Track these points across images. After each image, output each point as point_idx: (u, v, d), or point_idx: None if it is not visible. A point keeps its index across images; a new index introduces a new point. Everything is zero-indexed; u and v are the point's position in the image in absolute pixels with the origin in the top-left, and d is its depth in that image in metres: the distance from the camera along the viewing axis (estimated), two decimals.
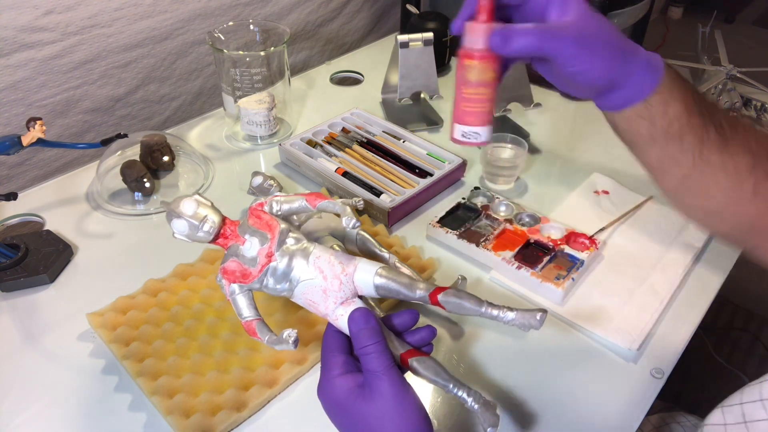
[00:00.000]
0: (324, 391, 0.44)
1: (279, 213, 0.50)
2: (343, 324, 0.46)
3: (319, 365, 0.59)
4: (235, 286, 0.47)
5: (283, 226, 0.48)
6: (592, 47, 0.42)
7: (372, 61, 1.18)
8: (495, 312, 0.46)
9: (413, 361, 0.45)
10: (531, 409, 0.56)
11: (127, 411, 0.55)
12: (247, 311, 0.47)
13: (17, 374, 0.58)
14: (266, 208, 0.49)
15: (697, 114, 0.45)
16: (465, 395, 0.44)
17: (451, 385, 0.45)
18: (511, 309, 0.46)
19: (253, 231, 0.47)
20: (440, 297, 0.47)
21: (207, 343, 0.59)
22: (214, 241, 0.48)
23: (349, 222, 0.48)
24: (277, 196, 0.50)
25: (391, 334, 0.47)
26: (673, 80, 0.45)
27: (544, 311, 0.45)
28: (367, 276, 0.47)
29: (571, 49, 0.42)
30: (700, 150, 0.46)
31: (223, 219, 0.48)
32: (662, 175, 0.49)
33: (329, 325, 0.48)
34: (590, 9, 0.43)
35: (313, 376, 0.59)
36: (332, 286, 0.46)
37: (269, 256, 0.46)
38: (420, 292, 0.47)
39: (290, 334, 0.44)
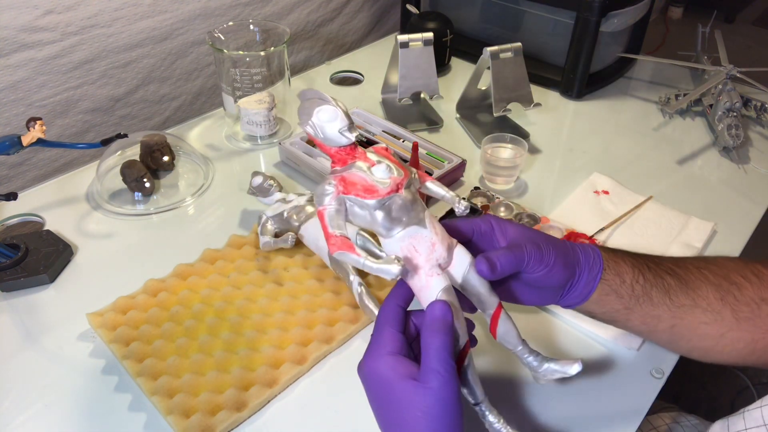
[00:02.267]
0: (371, 364, 0.43)
1: None
2: (430, 284, 0.44)
3: (319, 364, 0.60)
4: (336, 202, 0.44)
5: (413, 175, 0.47)
6: (546, 249, 0.48)
7: (372, 61, 1.18)
8: (526, 355, 0.46)
9: (470, 357, 0.44)
10: (530, 409, 0.56)
11: (127, 411, 0.55)
12: (341, 227, 0.44)
13: (17, 374, 0.58)
14: (392, 153, 0.48)
15: (647, 270, 0.50)
16: (493, 419, 0.44)
17: (484, 405, 0.44)
18: (545, 357, 0.46)
19: (386, 161, 0.46)
20: (502, 313, 0.46)
21: (207, 343, 0.59)
22: (346, 147, 0.45)
23: (461, 207, 0.49)
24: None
25: (463, 319, 0.45)
26: (613, 252, 0.51)
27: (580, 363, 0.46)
28: (465, 258, 0.46)
29: (534, 256, 0.47)
30: (670, 299, 0.50)
31: None
32: (653, 334, 0.52)
33: (389, 297, 0.46)
34: (523, 226, 0.51)
35: (313, 377, 0.59)
36: (442, 244, 0.45)
37: (399, 187, 0.44)
38: (493, 298, 0.46)
39: (399, 257, 0.42)
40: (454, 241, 0.47)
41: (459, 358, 0.44)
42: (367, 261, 0.42)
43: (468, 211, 0.49)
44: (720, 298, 0.50)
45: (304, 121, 0.45)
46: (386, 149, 0.48)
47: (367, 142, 0.89)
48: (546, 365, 0.46)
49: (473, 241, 0.50)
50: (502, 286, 0.50)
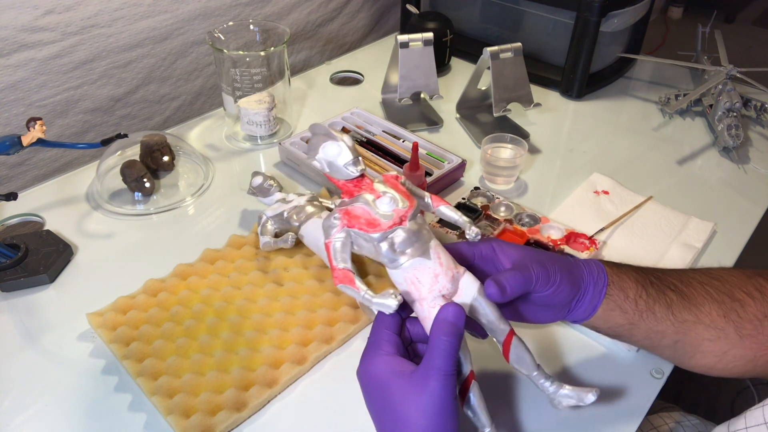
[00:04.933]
0: (368, 365, 0.43)
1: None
2: (432, 316, 0.44)
3: (319, 364, 0.60)
4: (343, 234, 0.45)
5: (417, 203, 0.47)
6: (552, 268, 0.48)
7: (372, 61, 1.18)
8: (542, 380, 0.46)
9: (476, 385, 0.44)
10: (530, 409, 0.56)
11: (127, 411, 0.55)
12: (345, 260, 0.45)
13: (17, 374, 0.58)
14: (401, 182, 0.49)
15: (650, 285, 0.50)
16: None
17: (488, 429, 0.43)
18: (560, 383, 0.46)
19: (392, 192, 0.46)
20: (514, 339, 0.46)
21: (207, 343, 0.59)
22: (352, 180, 0.46)
23: (472, 233, 0.49)
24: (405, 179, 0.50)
25: (468, 350, 0.45)
26: (617, 267, 0.51)
27: (596, 391, 0.45)
28: (472, 287, 0.46)
29: (541, 276, 0.47)
30: (673, 314, 0.50)
31: None
32: (657, 349, 0.52)
33: None
34: (525, 247, 0.51)
35: (313, 377, 0.59)
36: (445, 275, 0.45)
37: (402, 219, 0.45)
38: (504, 325, 0.46)
39: (396, 294, 0.43)
40: (462, 269, 0.47)
41: (463, 387, 0.44)
42: (366, 294, 0.43)
43: (479, 237, 0.49)
44: (723, 315, 0.49)
45: (312, 156, 0.47)
46: (396, 177, 0.49)
47: (367, 142, 0.89)
48: (561, 391, 0.46)
49: (475, 264, 0.50)
50: (509, 307, 0.50)
